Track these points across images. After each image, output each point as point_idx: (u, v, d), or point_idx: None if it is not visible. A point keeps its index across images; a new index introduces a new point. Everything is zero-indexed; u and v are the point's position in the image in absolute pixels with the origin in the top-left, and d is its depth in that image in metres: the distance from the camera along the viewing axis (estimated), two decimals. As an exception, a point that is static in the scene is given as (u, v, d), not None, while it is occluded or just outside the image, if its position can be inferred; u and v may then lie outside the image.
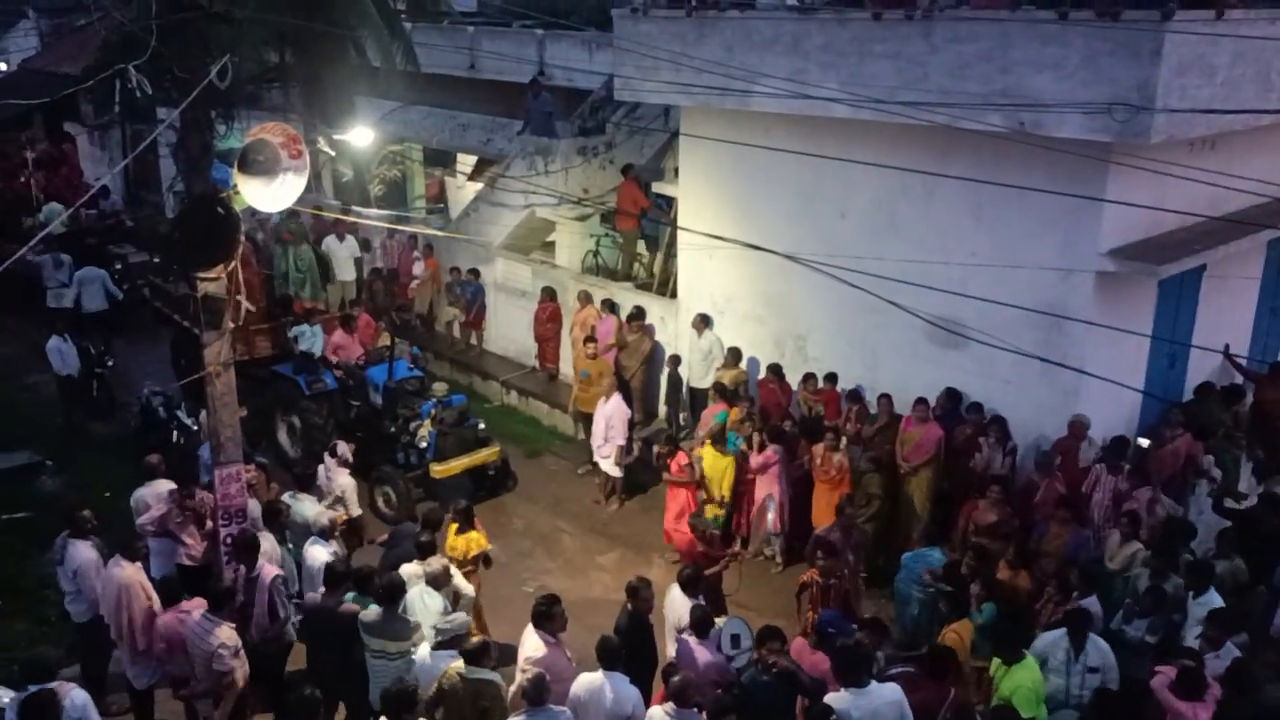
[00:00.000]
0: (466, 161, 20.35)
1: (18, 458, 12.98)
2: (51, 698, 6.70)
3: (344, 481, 10.61)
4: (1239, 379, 12.13)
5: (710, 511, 11.12)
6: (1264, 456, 11.05)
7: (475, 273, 16.70)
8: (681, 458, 11.26)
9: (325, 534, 9.33)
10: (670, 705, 6.77)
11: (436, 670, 7.36)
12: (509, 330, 16.57)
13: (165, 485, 9.67)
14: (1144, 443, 10.53)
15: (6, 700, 7.06)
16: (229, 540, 8.78)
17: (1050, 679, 7.73)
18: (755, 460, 11.33)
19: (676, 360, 13.67)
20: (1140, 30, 8.94)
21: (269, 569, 8.42)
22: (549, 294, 15.40)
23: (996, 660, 7.76)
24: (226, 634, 7.75)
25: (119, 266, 18.25)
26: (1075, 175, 9.78)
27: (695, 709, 6.74)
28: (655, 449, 12.34)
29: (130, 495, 9.83)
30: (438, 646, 7.77)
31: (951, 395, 11.28)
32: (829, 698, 6.89)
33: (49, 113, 26.86)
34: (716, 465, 11.40)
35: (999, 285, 10.14)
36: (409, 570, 8.51)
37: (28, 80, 30.70)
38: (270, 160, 7.69)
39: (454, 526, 9.63)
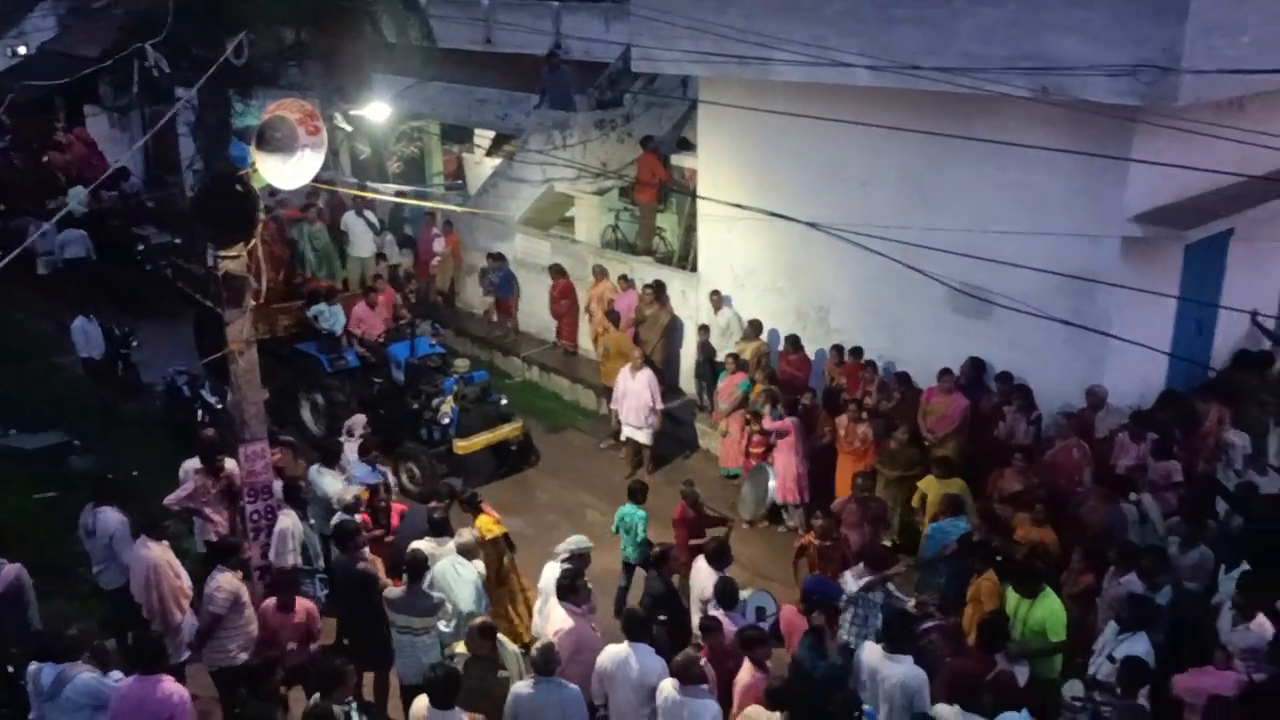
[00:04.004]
0: (484, 137, 20.29)
1: (48, 438, 13.06)
2: None
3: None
4: (1267, 344, 11.97)
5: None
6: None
7: (500, 257, 16.36)
8: None
9: (350, 510, 9.36)
10: (674, 681, 6.69)
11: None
12: (529, 306, 16.52)
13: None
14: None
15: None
16: (255, 516, 8.85)
17: None
18: (769, 426, 11.28)
19: (706, 330, 13.50)
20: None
21: None
22: (559, 271, 15.27)
23: (1016, 597, 7.77)
24: (226, 579, 8.00)
25: (141, 247, 18.33)
26: (1101, 139, 9.62)
27: (703, 685, 6.68)
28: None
29: (156, 474, 9.88)
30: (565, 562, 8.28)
31: (976, 365, 11.19)
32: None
33: (69, 96, 26.98)
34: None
35: (1024, 253, 10.00)
36: (424, 547, 8.51)
37: (47, 63, 30.76)
38: (288, 137, 7.70)
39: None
